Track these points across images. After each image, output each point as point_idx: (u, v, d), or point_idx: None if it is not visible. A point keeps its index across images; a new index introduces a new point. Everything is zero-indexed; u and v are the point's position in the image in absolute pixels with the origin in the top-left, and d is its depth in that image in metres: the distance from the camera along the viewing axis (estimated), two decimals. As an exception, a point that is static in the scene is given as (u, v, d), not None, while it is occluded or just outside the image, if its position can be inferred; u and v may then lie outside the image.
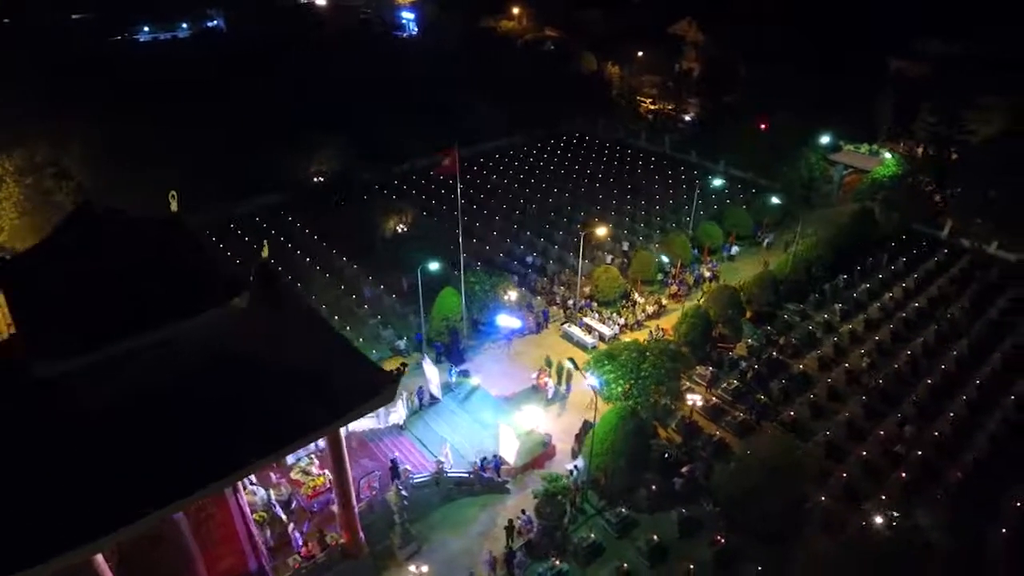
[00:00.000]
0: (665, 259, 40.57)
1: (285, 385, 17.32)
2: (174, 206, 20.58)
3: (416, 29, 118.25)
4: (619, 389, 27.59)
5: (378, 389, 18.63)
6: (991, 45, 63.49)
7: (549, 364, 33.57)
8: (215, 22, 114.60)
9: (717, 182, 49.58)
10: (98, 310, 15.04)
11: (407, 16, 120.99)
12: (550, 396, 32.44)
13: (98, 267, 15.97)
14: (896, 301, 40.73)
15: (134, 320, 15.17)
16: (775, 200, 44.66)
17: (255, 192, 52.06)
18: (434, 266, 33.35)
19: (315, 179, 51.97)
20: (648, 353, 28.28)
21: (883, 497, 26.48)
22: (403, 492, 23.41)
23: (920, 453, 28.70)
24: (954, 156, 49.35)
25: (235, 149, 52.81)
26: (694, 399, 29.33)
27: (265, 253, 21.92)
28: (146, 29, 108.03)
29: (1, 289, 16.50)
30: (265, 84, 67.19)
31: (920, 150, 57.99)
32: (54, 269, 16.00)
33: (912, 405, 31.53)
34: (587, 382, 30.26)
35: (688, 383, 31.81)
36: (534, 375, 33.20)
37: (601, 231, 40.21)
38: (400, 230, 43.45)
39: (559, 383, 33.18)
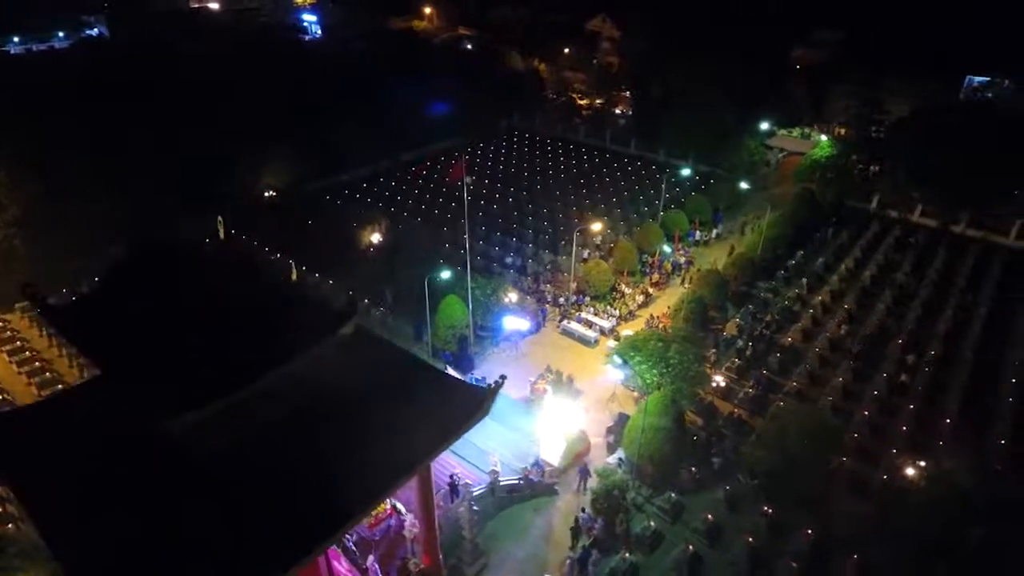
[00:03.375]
0: (667, 248, 41.79)
1: (397, 411, 16.59)
2: (221, 232, 19.03)
3: (319, 31, 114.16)
4: (652, 379, 28.30)
5: (480, 404, 18.20)
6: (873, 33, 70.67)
7: (550, 371, 33.65)
8: (95, 30, 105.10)
9: (685, 171, 51.58)
10: (219, 351, 13.68)
11: (308, 18, 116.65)
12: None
13: (199, 306, 14.50)
14: (850, 271, 44.30)
15: (261, 357, 13.92)
16: (744, 185, 47.26)
17: (201, 211, 48.29)
18: (446, 274, 32.65)
19: (266, 193, 49.19)
20: (672, 341, 29.19)
21: (894, 450, 28.95)
22: (474, 507, 22.94)
23: (912, 407, 31.56)
24: (875, 134, 54.13)
25: (169, 166, 48.86)
26: (717, 380, 30.61)
27: (294, 276, 20.77)
28: (15, 39, 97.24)
29: (74, 338, 14.61)
30: (179, 95, 62.50)
31: (838, 131, 63.26)
32: (148, 313, 14.32)
33: (894, 364, 34.50)
34: (610, 375, 31.22)
35: (698, 366, 33.10)
36: (532, 379, 33.13)
37: (597, 226, 40.84)
38: (376, 240, 42.01)
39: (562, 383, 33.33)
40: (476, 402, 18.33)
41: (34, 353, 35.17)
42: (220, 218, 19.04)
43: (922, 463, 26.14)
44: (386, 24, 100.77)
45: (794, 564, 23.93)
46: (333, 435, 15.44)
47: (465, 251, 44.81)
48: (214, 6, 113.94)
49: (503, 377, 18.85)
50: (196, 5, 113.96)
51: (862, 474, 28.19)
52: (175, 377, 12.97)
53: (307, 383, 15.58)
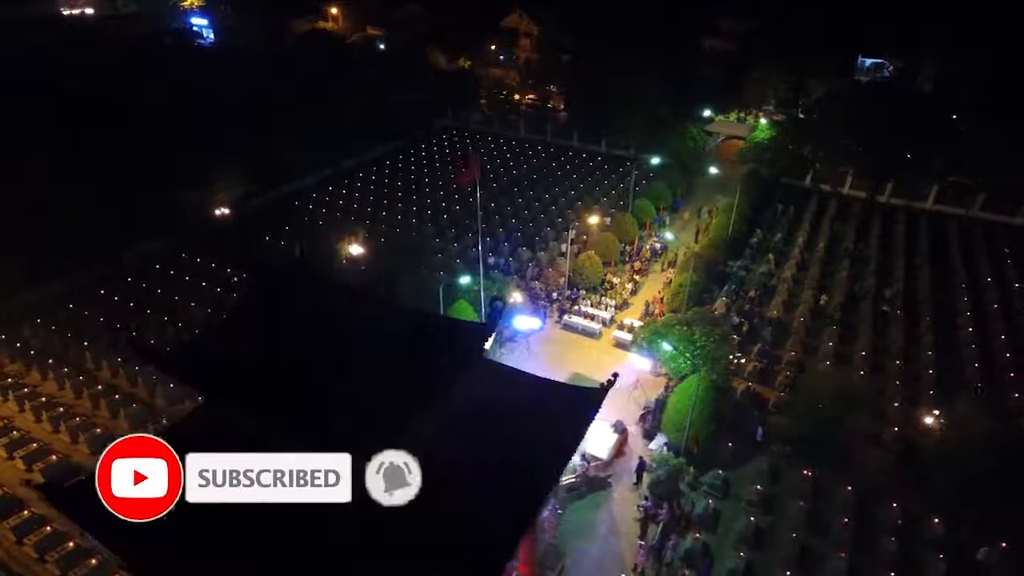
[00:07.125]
0: (669, 236, 42.69)
1: (533, 421, 16.17)
2: (298, 253, 17.63)
3: (213, 36, 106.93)
4: (686, 363, 29.11)
5: (593, 404, 18.09)
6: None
7: None
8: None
9: (654, 160, 52.88)
10: (388, 382, 12.66)
11: (199, 22, 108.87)
12: None
13: (341, 337, 13.34)
14: (806, 243, 47.53)
15: (430, 380, 13.02)
16: (714, 170, 49.28)
17: (145, 236, 44.25)
18: (465, 279, 31.84)
19: (217, 211, 45.70)
20: (695, 324, 30.15)
21: (895, 404, 31.50)
22: (559, 510, 22.70)
23: (898, 363, 34.46)
24: (800, 115, 58.26)
25: (101, 188, 44.15)
26: (737, 357, 31.93)
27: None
28: None
29: (200, 383, 12.94)
30: (79, 111, 56.41)
31: (756, 113, 67.45)
32: (289, 349, 12.95)
33: (871, 327, 37.48)
34: (634, 364, 31.84)
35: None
36: None
37: (594, 219, 41.14)
38: (355, 252, 40.16)
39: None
40: (590, 402, 18.19)
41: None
42: (300, 242, 17.49)
43: (936, 412, 28.59)
44: (289, 26, 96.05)
45: (846, 520, 25.56)
46: (492, 454, 14.80)
47: (441, 255, 44.31)
48: (89, 11, 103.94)
49: (615, 375, 18.77)
50: (68, 12, 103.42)
51: (874, 428, 30.46)
52: (350, 417, 11.92)
53: (455, 402, 14.86)
